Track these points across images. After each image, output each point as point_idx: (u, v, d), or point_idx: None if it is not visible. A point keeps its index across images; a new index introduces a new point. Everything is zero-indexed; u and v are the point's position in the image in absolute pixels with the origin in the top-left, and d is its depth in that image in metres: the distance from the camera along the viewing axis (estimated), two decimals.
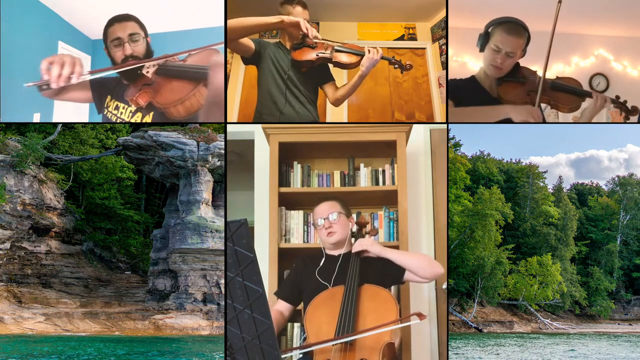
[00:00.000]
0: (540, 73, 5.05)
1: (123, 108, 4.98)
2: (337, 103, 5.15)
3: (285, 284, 3.79)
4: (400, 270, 3.57)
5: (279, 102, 4.89)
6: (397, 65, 4.94)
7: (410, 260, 3.52)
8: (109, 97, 5.06)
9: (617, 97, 5.14)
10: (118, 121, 5.04)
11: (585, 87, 5.68)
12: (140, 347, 13.41)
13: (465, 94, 5.16)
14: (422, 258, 3.57)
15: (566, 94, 5.13)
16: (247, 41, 4.80)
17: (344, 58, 4.81)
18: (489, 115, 5.09)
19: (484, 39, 4.94)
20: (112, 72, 4.83)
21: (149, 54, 4.86)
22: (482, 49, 4.99)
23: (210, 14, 5.99)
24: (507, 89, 5.05)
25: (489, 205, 23.35)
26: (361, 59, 4.78)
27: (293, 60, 4.87)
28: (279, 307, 3.67)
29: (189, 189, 18.55)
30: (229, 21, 4.59)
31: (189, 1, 6.15)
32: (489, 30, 4.91)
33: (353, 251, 3.56)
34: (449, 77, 5.47)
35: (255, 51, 4.85)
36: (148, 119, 4.92)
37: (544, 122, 5.22)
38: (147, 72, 4.65)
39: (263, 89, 4.96)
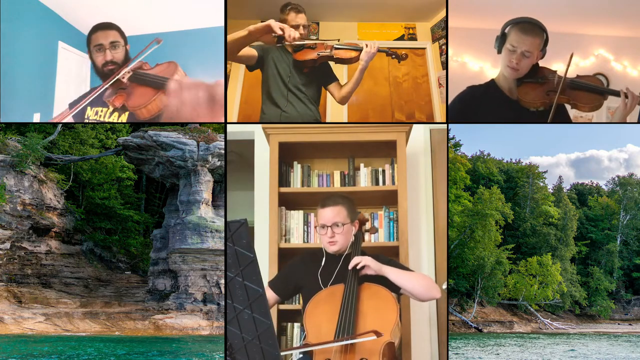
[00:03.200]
0: (560, 73, 4.95)
1: (102, 111, 5.35)
2: (343, 101, 5.24)
3: (278, 276, 3.77)
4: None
5: (281, 104, 4.93)
6: (394, 56, 5.05)
7: (407, 282, 3.45)
8: (88, 109, 5.39)
9: None
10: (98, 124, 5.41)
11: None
12: (140, 347, 13.42)
13: (484, 101, 5.06)
14: (420, 281, 3.48)
15: (586, 93, 4.96)
16: (248, 51, 4.86)
17: (344, 54, 4.92)
18: None
19: (501, 41, 4.83)
20: (90, 98, 5.19)
21: (126, 61, 5.24)
22: (499, 51, 4.90)
23: (210, 14, 5.99)
24: (526, 90, 4.95)
25: (489, 205, 23.36)
26: (360, 53, 4.89)
27: (295, 61, 4.91)
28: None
29: (189, 189, 18.55)
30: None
31: (189, 1, 6.16)
32: (506, 31, 4.82)
33: (350, 266, 3.45)
34: (455, 87, 5.37)
35: (259, 57, 4.93)
36: (124, 117, 5.31)
37: (570, 122, 5.10)
38: (123, 77, 5.13)
39: (266, 91, 5.01)
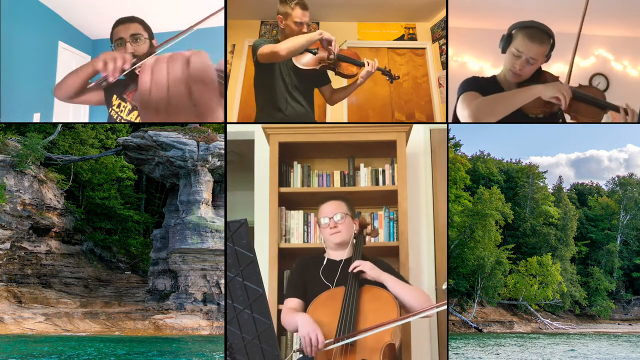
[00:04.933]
0: (562, 79, 4.93)
1: (123, 106, 5.12)
2: (332, 103, 5.50)
3: (290, 283, 3.73)
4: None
5: (280, 103, 4.96)
6: (388, 77, 5.28)
7: (404, 294, 3.41)
8: (114, 96, 5.20)
9: None
10: (119, 119, 5.15)
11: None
12: (140, 347, 13.42)
13: (484, 89, 5.06)
14: (417, 296, 3.43)
15: (587, 105, 4.95)
16: None
17: (346, 69, 5.04)
18: (518, 98, 4.89)
19: (507, 41, 4.80)
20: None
21: (150, 54, 4.92)
22: (503, 51, 4.88)
23: (210, 14, 5.98)
24: None
25: (489, 205, 23.36)
26: (359, 69, 5.05)
27: (296, 67, 4.97)
28: (290, 305, 3.57)
29: (189, 189, 18.55)
30: (279, 45, 4.78)
31: (189, 1, 6.15)
32: (512, 32, 4.79)
33: (350, 269, 3.46)
34: (455, 86, 5.38)
35: None
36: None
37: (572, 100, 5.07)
38: (139, 71, 4.77)
39: (265, 89, 5.02)
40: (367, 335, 3.17)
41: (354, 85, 5.18)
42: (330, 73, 5.27)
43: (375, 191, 4.73)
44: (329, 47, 4.91)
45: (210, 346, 14.22)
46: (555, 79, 4.96)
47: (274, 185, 4.59)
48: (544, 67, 4.97)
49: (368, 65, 5.03)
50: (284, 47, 4.76)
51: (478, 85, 5.00)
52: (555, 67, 5.17)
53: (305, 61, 4.94)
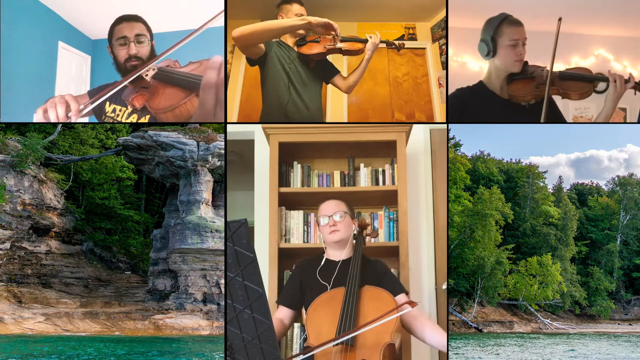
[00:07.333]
0: (549, 68, 5.03)
1: (120, 110, 5.01)
2: (350, 90, 5.46)
3: (286, 290, 3.74)
4: (395, 289, 3.56)
5: (283, 100, 4.96)
6: (393, 46, 5.37)
7: (424, 332, 3.39)
8: (107, 103, 5.10)
9: (631, 75, 5.07)
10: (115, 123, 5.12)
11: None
12: (140, 347, 13.41)
13: (471, 102, 5.10)
14: (435, 335, 3.37)
15: (575, 82, 5.08)
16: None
17: (351, 46, 5.14)
18: None
19: (493, 44, 4.87)
20: (108, 94, 4.80)
21: (152, 57, 4.89)
22: (494, 54, 4.92)
23: (210, 14, 5.98)
24: (517, 86, 5.02)
25: (489, 205, 23.36)
26: (364, 44, 5.15)
27: (302, 55, 4.97)
28: (279, 315, 3.60)
29: (189, 189, 18.55)
30: (252, 25, 4.68)
31: (189, 1, 6.16)
32: (494, 34, 4.84)
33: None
34: (454, 87, 5.40)
35: (264, 52, 4.92)
36: (144, 120, 4.95)
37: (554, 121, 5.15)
38: (146, 75, 4.73)
39: (269, 88, 5.01)
40: (367, 336, 3.17)
41: (363, 62, 5.21)
42: (338, 57, 5.31)
43: (375, 191, 4.73)
44: (331, 30, 4.88)
45: (210, 346, 14.22)
46: (541, 68, 5.07)
47: (274, 185, 4.59)
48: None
49: (371, 38, 5.12)
50: (237, 29, 4.59)
51: (460, 97, 5.07)
52: (556, 67, 5.18)
53: (311, 51, 5.01)
